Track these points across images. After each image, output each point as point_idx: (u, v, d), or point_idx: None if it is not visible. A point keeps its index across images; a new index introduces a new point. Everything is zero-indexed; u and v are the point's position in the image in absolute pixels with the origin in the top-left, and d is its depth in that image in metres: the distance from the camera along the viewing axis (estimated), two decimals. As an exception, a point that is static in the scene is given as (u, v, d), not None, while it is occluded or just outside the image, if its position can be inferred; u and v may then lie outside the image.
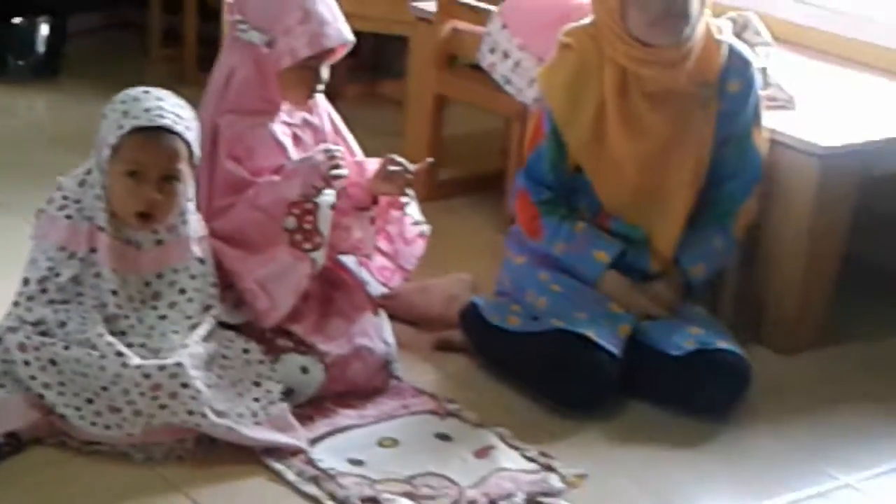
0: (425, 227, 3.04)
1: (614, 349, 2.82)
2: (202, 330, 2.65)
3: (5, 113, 4.49)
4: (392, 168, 2.92)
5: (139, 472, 2.51)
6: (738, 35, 3.27)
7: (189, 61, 4.83)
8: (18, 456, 2.51)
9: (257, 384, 2.65)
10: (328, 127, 3.00)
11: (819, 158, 3.08)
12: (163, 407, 2.51)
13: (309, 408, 2.71)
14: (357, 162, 3.00)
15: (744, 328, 3.12)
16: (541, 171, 3.01)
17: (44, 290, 2.60)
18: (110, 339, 2.54)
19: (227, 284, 2.78)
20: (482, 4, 3.64)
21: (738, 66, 2.98)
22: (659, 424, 2.83)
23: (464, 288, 3.16)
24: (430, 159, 3.12)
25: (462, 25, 3.76)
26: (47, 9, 4.82)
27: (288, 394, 2.68)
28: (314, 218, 2.79)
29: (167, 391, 2.50)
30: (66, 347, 2.53)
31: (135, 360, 2.52)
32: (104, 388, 2.50)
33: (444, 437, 2.70)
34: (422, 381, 2.90)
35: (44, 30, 4.78)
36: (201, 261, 2.71)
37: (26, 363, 2.53)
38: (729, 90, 2.97)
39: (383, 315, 2.94)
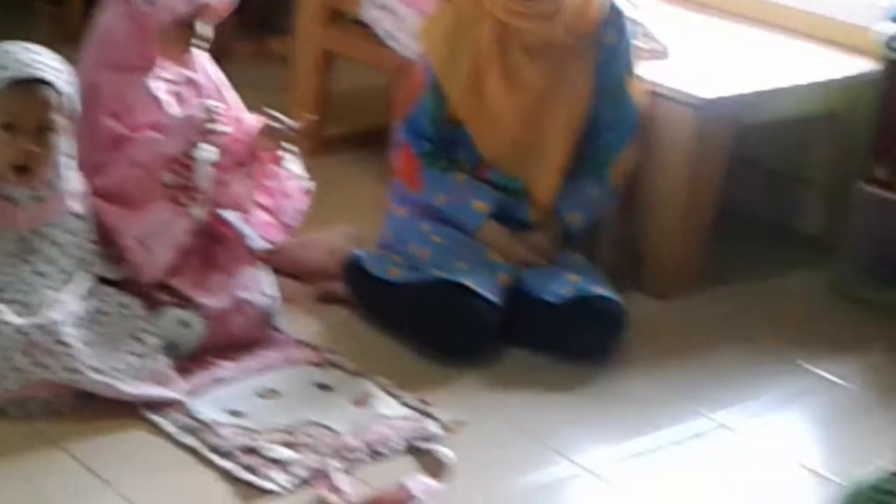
0: (308, 183, 3.07)
1: (493, 297, 2.88)
2: (81, 286, 2.67)
3: None
4: (272, 124, 2.95)
5: (16, 427, 2.51)
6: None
7: (73, 19, 4.79)
8: None
9: (137, 339, 2.67)
10: (210, 84, 3.02)
11: (695, 109, 3.16)
12: (40, 364, 2.52)
13: (190, 361, 2.73)
14: (238, 118, 3.02)
15: (622, 275, 3.20)
16: (421, 124, 3.07)
17: (-81, 248, 2.60)
18: (-15, 296, 2.55)
19: (108, 241, 2.79)
20: (367, -40, 3.67)
21: (613, 18, 3.05)
22: (537, 370, 2.90)
23: (346, 241, 3.19)
24: (311, 116, 3.16)
25: (348, -19, 3.79)
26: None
27: (169, 348, 2.70)
28: (193, 174, 2.82)
29: (44, 349, 2.51)
30: (-59, 305, 2.53)
31: (10, 318, 2.52)
32: (-20, 345, 2.51)
33: (324, 387, 2.75)
34: (304, 332, 2.94)
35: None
36: (79, 216, 2.72)
37: None
38: (605, 41, 3.04)
39: (264, 269, 2.97)
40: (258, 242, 3.02)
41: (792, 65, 3.42)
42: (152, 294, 2.77)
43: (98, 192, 2.80)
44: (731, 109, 3.22)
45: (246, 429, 2.56)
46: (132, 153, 2.82)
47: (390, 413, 2.67)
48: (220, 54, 3.06)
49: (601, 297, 2.93)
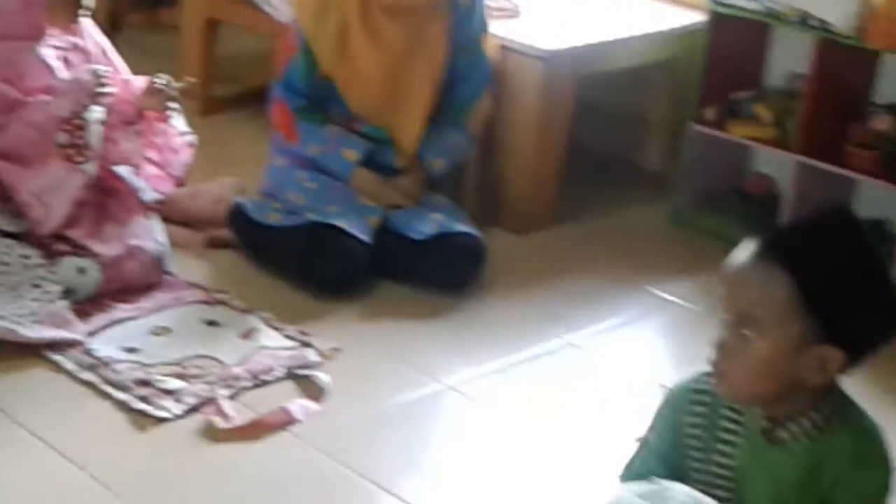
0: (192, 138, 3.30)
1: (364, 237, 3.13)
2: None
3: None
4: (157, 85, 3.16)
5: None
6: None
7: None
8: None
9: (37, 286, 2.83)
10: (97, 49, 3.21)
11: (542, 60, 3.41)
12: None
13: (88, 305, 2.91)
14: (124, 80, 3.21)
15: (484, 214, 3.47)
16: (295, 82, 3.28)
17: None
18: None
19: (7, 197, 2.96)
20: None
21: (467, -19, 3.30)
22: (406, 301, 3.14)
23: (231, 190, 3.39)
24: (192, 78, 3.35)
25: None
26: None
27: (68, 294, 2.87)
28: (84, 133, 3.00)
29: (-51, 297, 2.67)
30: None
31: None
32: None
33: (212, 324, 2.95)
34: (194, 275, 3.14)
35: None
36: (-22, 176, 2.90)
37: None
38: (460, 3, 3.28)
39: (155, 218, 3.17)
40: (149, 194, 3.21)
41: (632, 19, 3.67)
42: (51, 245, 2.94)
43: (-5, 153, 2.96)
44: (574, 60, 3.46)
45: (140, 363, 2.73)
46: (27, 116, 2.98)
47: (273, 344, 2.87)
48: (116, 24, 3.20)
49: (462, 233, 3.18)
